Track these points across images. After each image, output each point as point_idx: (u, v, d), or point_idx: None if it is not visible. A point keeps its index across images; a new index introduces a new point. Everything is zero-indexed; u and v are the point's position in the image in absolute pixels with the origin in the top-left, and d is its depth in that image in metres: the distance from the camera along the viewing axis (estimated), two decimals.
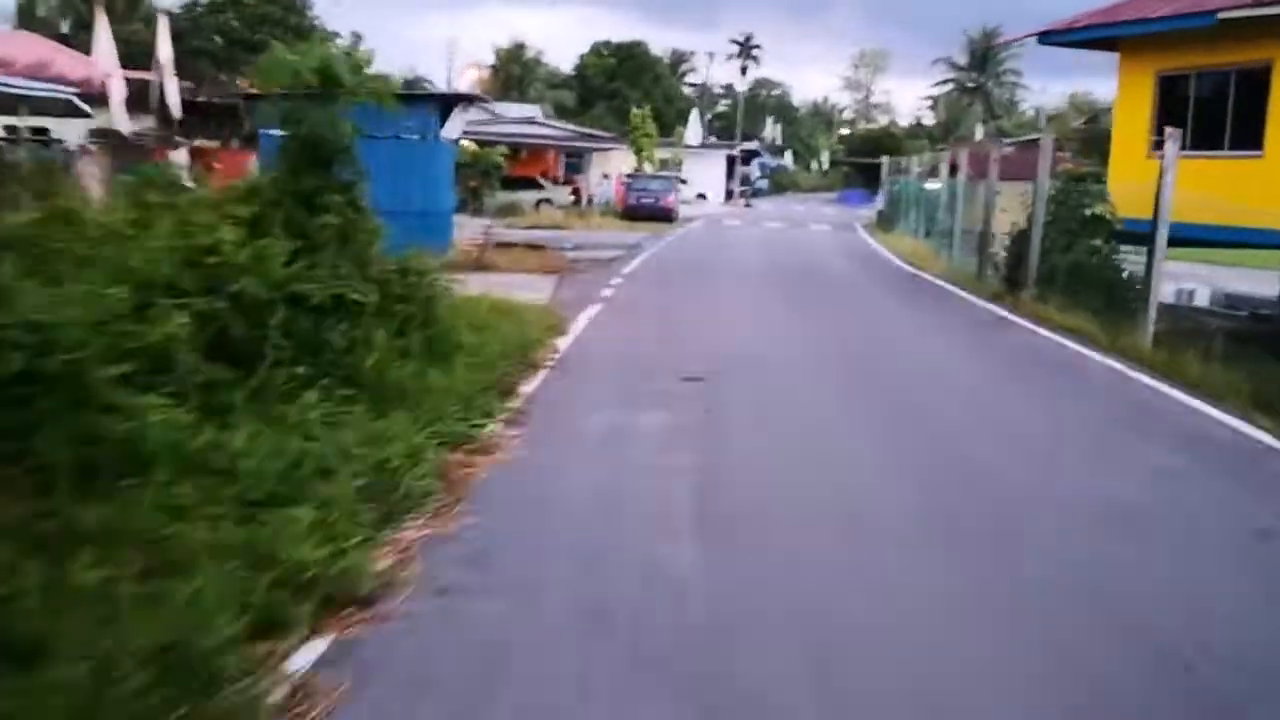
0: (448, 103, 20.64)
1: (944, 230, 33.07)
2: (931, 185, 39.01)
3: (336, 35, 33.20)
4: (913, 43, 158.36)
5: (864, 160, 71.97)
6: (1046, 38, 21.36)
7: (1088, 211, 18.09)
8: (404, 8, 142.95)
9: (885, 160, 45.09)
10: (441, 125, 20.58)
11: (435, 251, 18.87)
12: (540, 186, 47.16)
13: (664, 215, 38.25)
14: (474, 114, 63.22)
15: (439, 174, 20.48)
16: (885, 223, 40.79)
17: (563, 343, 11.91)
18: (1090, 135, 55.08)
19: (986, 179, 24.15)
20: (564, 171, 54.66)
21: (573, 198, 47.16)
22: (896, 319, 16.72)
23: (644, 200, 38.74)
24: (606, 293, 16.92)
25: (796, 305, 17.49)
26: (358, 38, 34.31)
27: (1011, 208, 25.78)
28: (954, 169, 39.34)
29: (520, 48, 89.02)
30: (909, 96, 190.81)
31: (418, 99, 21.83)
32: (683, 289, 18.49)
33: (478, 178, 38.88)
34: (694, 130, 60.61)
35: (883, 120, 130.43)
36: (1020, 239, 18.96)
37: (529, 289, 17.05)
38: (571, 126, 60.48)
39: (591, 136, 50.02)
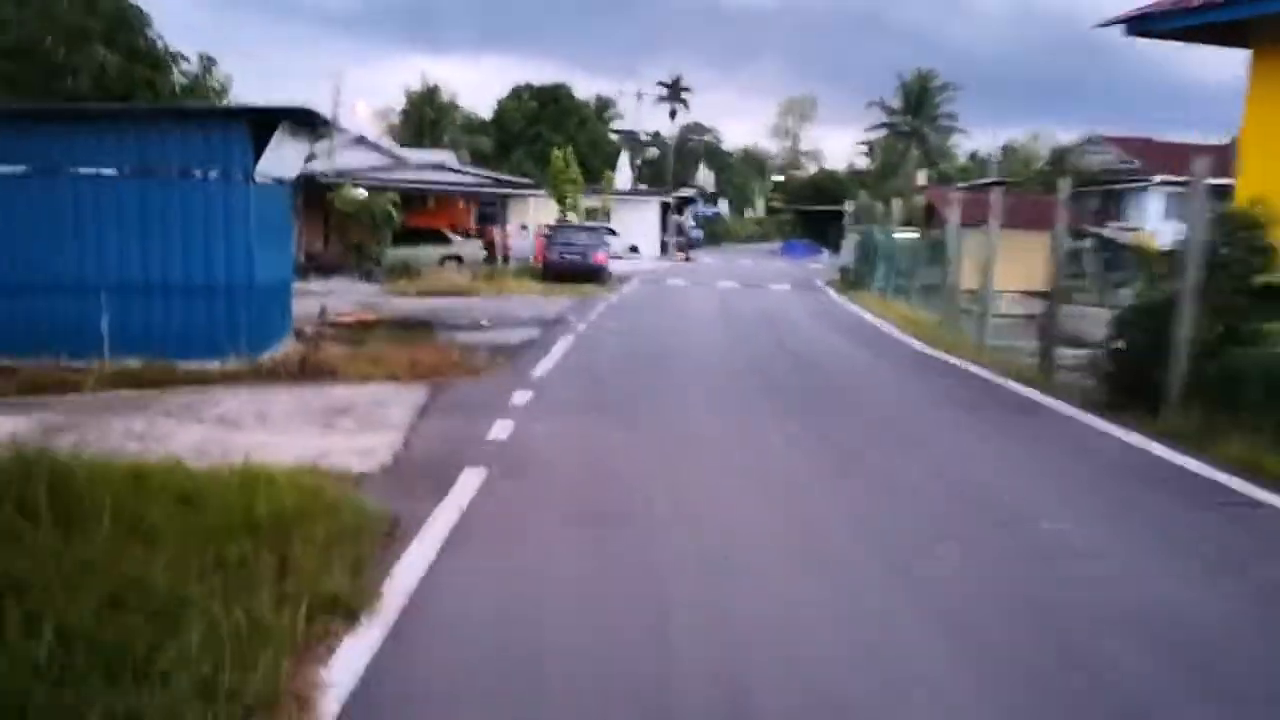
0: (264, 123, 13.32)
1: (926, 289, 26.63)
2: (903, 236, 32.60)
3: (182, 58, 25.42)
4: (836, 92, 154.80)
5: (809, 208, 65.76)
6: (1141, 24, 14.75)
7: (1260, 278, 11.45)
8: (327, 59, 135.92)
9: (848, 206, 38.56)
10: (256, 156, 13.25)
11: (236, 347, 11.32)
12: (446, 240, 39.88)
13: (593, 274, 31.13)
14: (369, 156, 55.92)
15: (252, 229, 13.15)
16: (853, 280, 34.28)
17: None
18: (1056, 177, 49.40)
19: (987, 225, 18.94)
20: (477, 223, 47.66)
21: (485, 253, 40.02)
22: (1016, 488, 8.85)
23: (568, 256, 31.57)
24: (497, 432, 9.61)
25: (826, 452, 9.87)
26: (209, 61, 26.69)
27: (1023, 262, 20.48)
28: (930, 215, 33.01)
29: (433, 90, 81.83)
30: (836, 145, 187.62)
31: (197, 116, 14.52)
32: (629, 414, 11.11)
33: (364, 231, 31.54)
34: (624, 175, 53.82)
35: (811, 168, 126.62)
36: (1145, 319, 12.14)
37: (355, 429, 9.72)
38: (486, 173, 53.54)
39: (507, 183, 42.89)
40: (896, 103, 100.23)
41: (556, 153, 47.37)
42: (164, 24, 28.70)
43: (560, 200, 46.71)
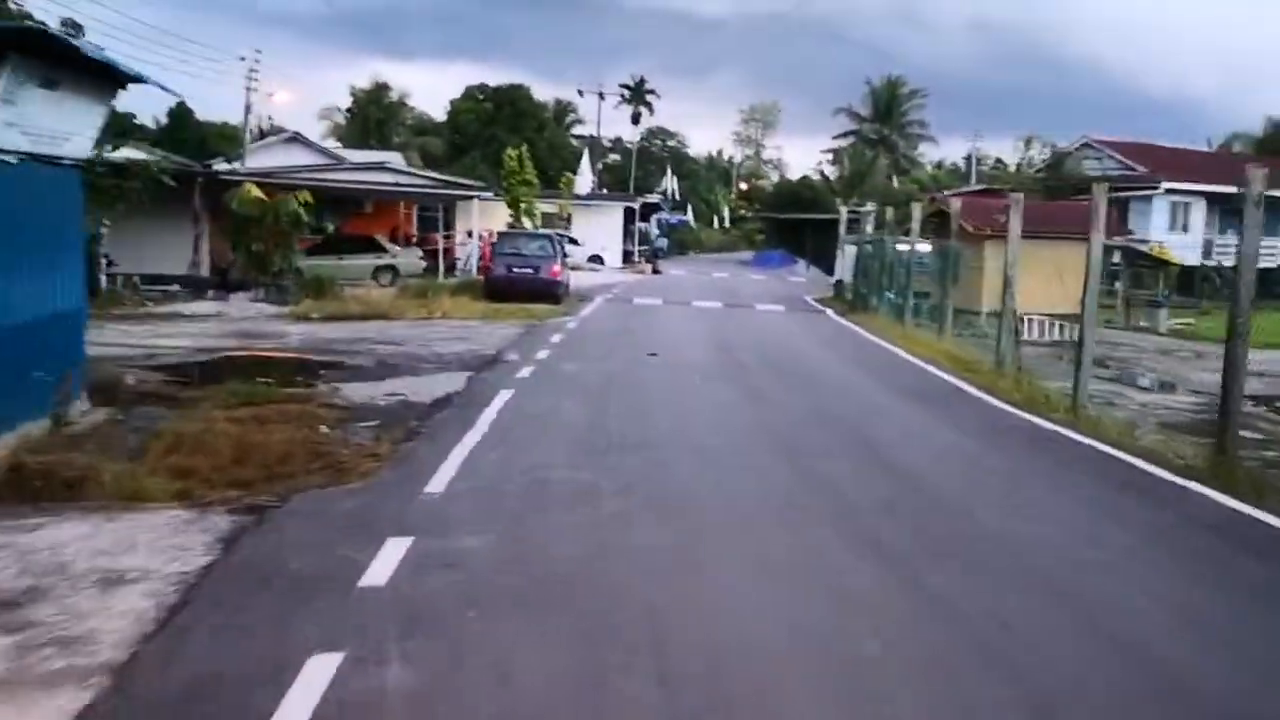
0: None
1: (940, 311, 21.62)
2: (903, 247, 27.41)
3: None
4: (795, 103, 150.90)
5: (785, 216, 60.48)
6: None
7: None
8: (286, 63, 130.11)
9: (844, 213, 33.12)
10: None
11: None
12: (381, 249, 34.24)
13: (546, 292, 25.51)
14: (302, 155, 50.04)
15: None
16: (853, 299, 29.02)
17: None
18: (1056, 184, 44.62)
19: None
20: (420, 230, 42.05)
21: (425, 264, 34.47)
22: None
23: (517, 270, 25.88)
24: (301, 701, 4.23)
25: None
26: (74, 28, 20.97)
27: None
28: (940, 224, 27.80)
29: (380, 89, 75.95)
30: (797, 154, 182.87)
31: None
32: (599, 623, 5.52)
33: (273, 239, 25.83)
34: (584, 179, 48.26)
35: (774, 176, 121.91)
36: None
37: None
38: (432, 174, 48.00)
39: (451, 185, 37.27)
40: (865, 109, 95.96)
41: (510, 152, 41.82)
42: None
43: (513, 205, 41.14)
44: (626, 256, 52.11)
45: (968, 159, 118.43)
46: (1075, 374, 13.13)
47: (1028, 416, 12.21)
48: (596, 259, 47.35)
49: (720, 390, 13.46)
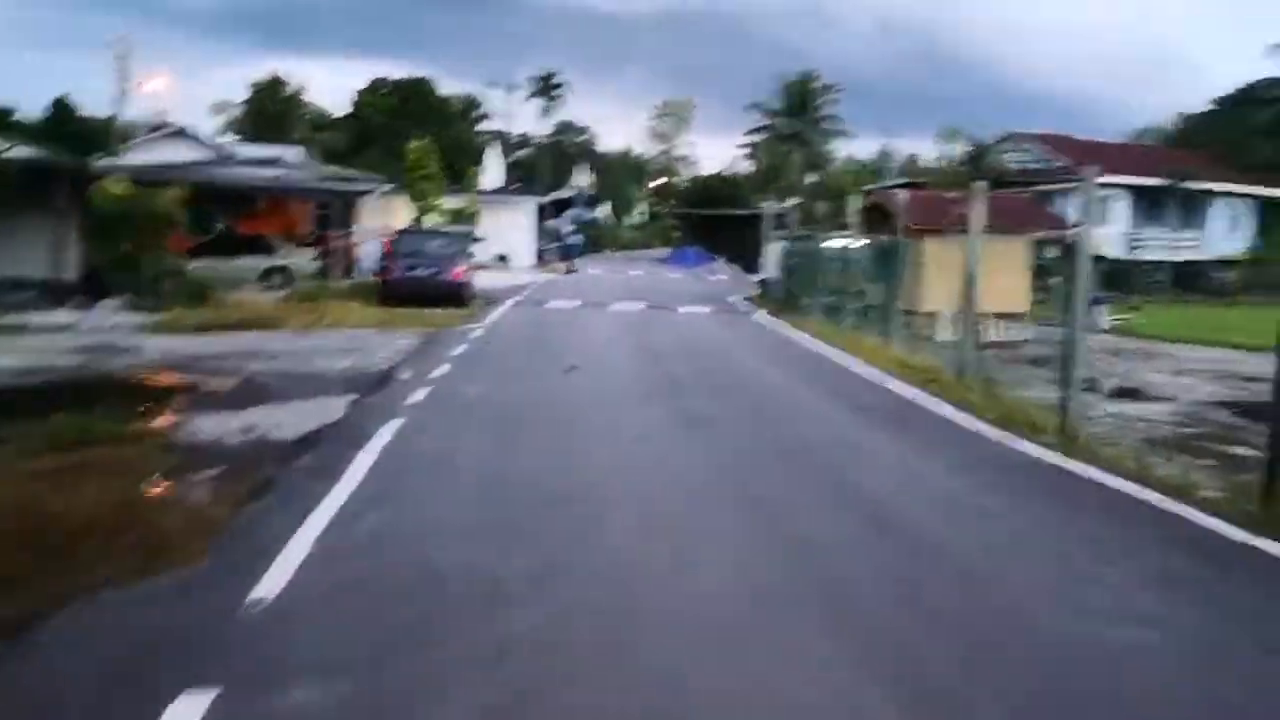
0: None
1: (871, 311, 19.94)
2: (837, 244, 25.66)
3: None
4: (704, 101, 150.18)
5: (703, 212, 58.64)
6: None
7: None
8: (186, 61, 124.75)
9: (767, 209, 31.18)
10: None
11: None
12: (270, 250, 31.52)
13: (449, 295, 23.15)
14: (188, 150, 46.75)
15: None
16: (783, 299, 27.15)
17: None
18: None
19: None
20: (318, 229, 39.21)
21: (320, 265, 31.81)
22: None
23: (417, 272, 23.41)
24: None
25: None
26: None
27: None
28: (878, 217, 26.12)
29: (276, 83, 72.42)
30: (707, 152, 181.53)
31: None
32: None
33: (143, 238, 23.04)
34: (493, 173, 45.73)
35: (686, 173, 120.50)
36: None
37: None
38: (332, 170, 45.30)
39: (347, 180, 34.65)
40: (778, 105, 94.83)
41: (414, 144, 39.24)
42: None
43: (416, 200, 38.60)
44: (538, 255, 49.80)
45: (880, 155, 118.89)
46: (1063, 389, 11.29)
47: (1020, 444, 10.29)
48: (503, 259, 44.97)
49: (655, 415, 11.26)
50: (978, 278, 14.49)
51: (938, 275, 25.25)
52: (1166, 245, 45.62)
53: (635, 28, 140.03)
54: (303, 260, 31.80)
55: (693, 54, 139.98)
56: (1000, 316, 25.46)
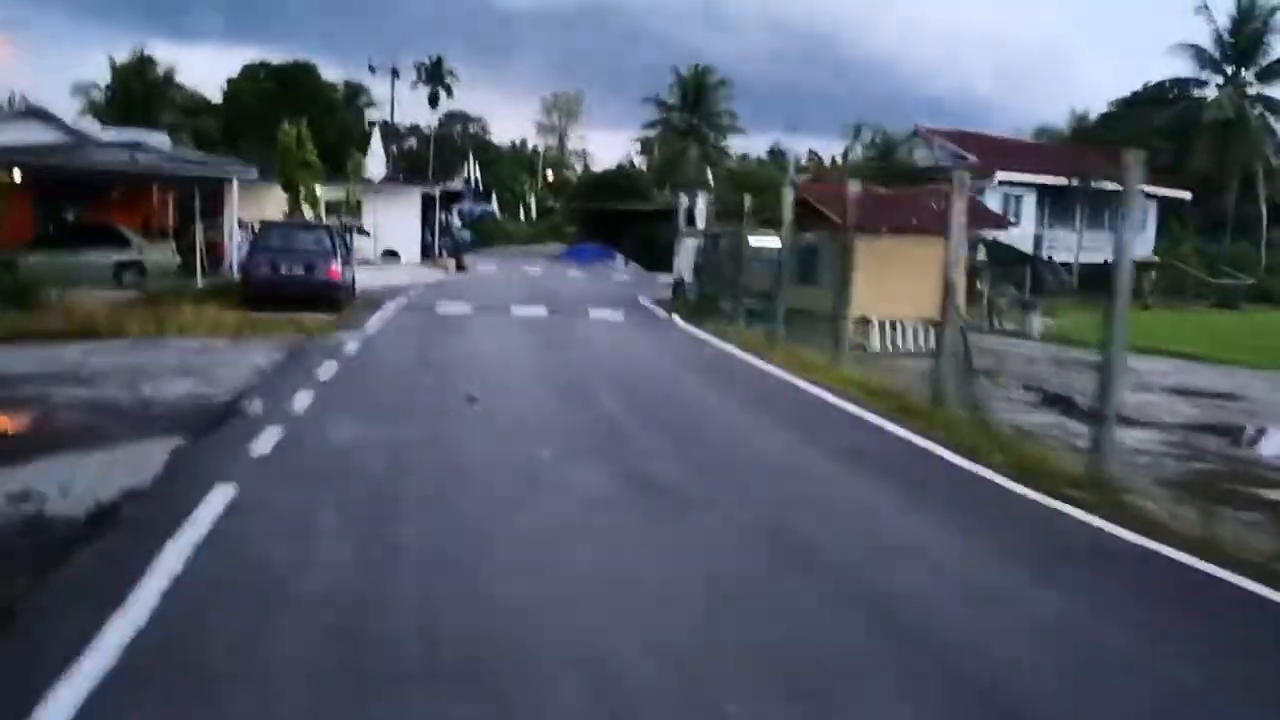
0: None
1: (799, 316, 17.67)
2: (764, 243, 23.36)
3: None
4: (596, 95, 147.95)
5: (602, 206, 55.84)
6: None
7: None
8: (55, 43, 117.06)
9: (684, 202, 28.56)
10: None
11: None
12: (124, 242, 27.91)
13: (322, 297, 20.05)
14: (39, 132, 42.49)
15: None
16: (697, 303, 24.63)
17: None
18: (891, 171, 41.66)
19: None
20: (179, 221, 35.35)
21: (179, 260, 28.35)
22: None
23: (284, 270, 20.17)
24: None
25: None
26: None
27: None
28: (807, 215, 23.87)
29: (145, 62, 67.34)
30: (600, 147, 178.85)
31: None
32: None
33: None
34: (377, 161, 42.17)
35: (578, 167, 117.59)
36: None
37: None
38: (196, 156, 41.42)
39: (208, 165, 31.08)
40: (673, 99, 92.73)
41: (286, 129, 35.69)
42: None
43: (290, 190, 35.09)
44: (426, 250, 46.45)
45: (771, 151, 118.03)
46: (1096, 430, 8.96)
47: (1060, 507, 7.89)
48: (390, 254, 41.57)
49: (589, 480, 8.16)
50: (958, 285, 12.17)
51: (874, 278, 23.14)
52: (1072, 246, 44.60)
53: (521, 20, 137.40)
54: (161, 255, 28.26)
55: (582, 47, 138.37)
56: (920, 322, 23.47)
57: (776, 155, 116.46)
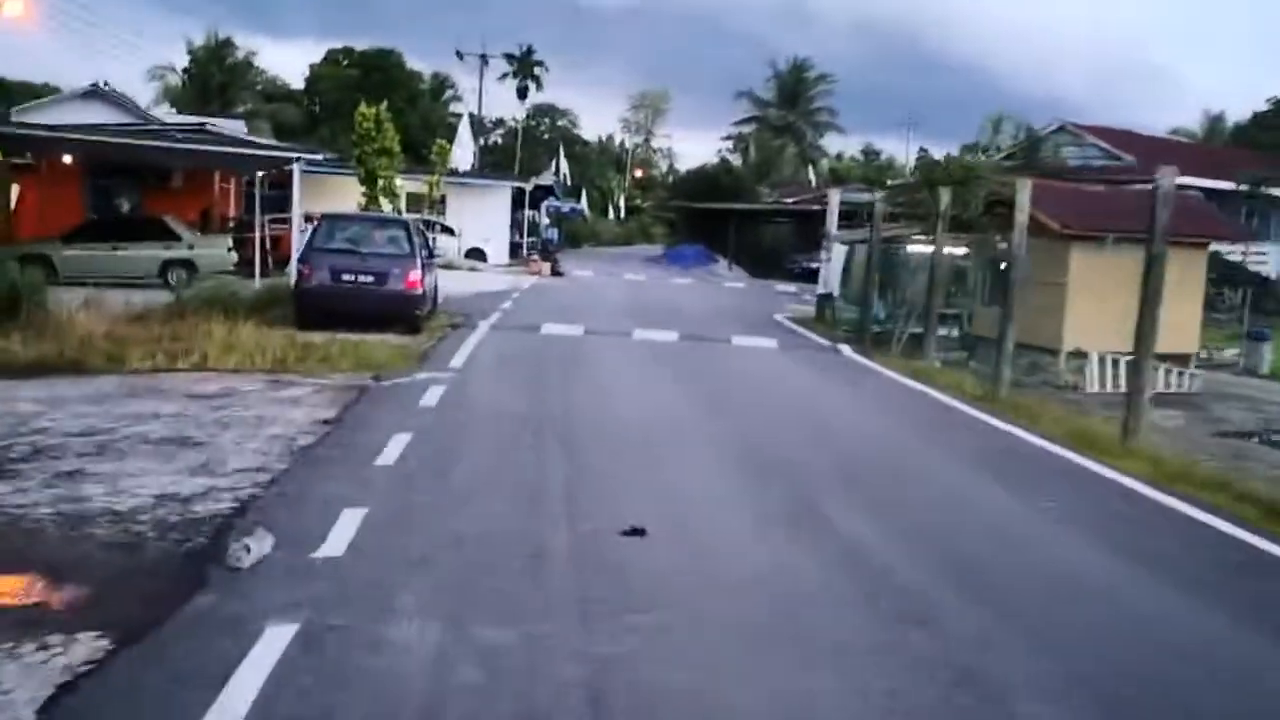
0: None
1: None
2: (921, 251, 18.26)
3: None
4: (680, 96, 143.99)
5: (705, 206, 50.77)
6: None
7: None
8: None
9: (834, 199, 22.96)
10: None
11: None
12: (172, 236, 23.78)
13: (396, 312, 15.29)
14: (103, 113, 38.92)
15: None
16: (858, 324, 19.38)
17: None
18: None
19: None
20: (247, 213, 31.17)
21: (236, 257, 24.16)
22: None
23: (349, 279, 15.28)
24: None
25: None
26: None
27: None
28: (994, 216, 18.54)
29: (223, 46, 63.94)
30: (685, 147, 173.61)
31: None
32: None
33: None
34: (464, 152, 37.48)
35: (665, 166, 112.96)
36: None
37: None
38: (266, 142, 37.39)
39: (264, 148, 26.77)
40: (769, 94, 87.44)
41: (363, 110, 31.31)
42: None
43: (368, 180, 30.72)
44: (514, 250, 41.93)
45: (865, 152, 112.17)
46: None
47: None
48: (476, 253, 37.00)
49: None
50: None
51: (1093, 300, 17.92)
52: (1239, 258, 38.61)
53: (607, 20, 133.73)
54: (215, 252, 24.00)
55: (667, 48, 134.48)
56: (1166, 359, 18.17)
57: (870, 156, 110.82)
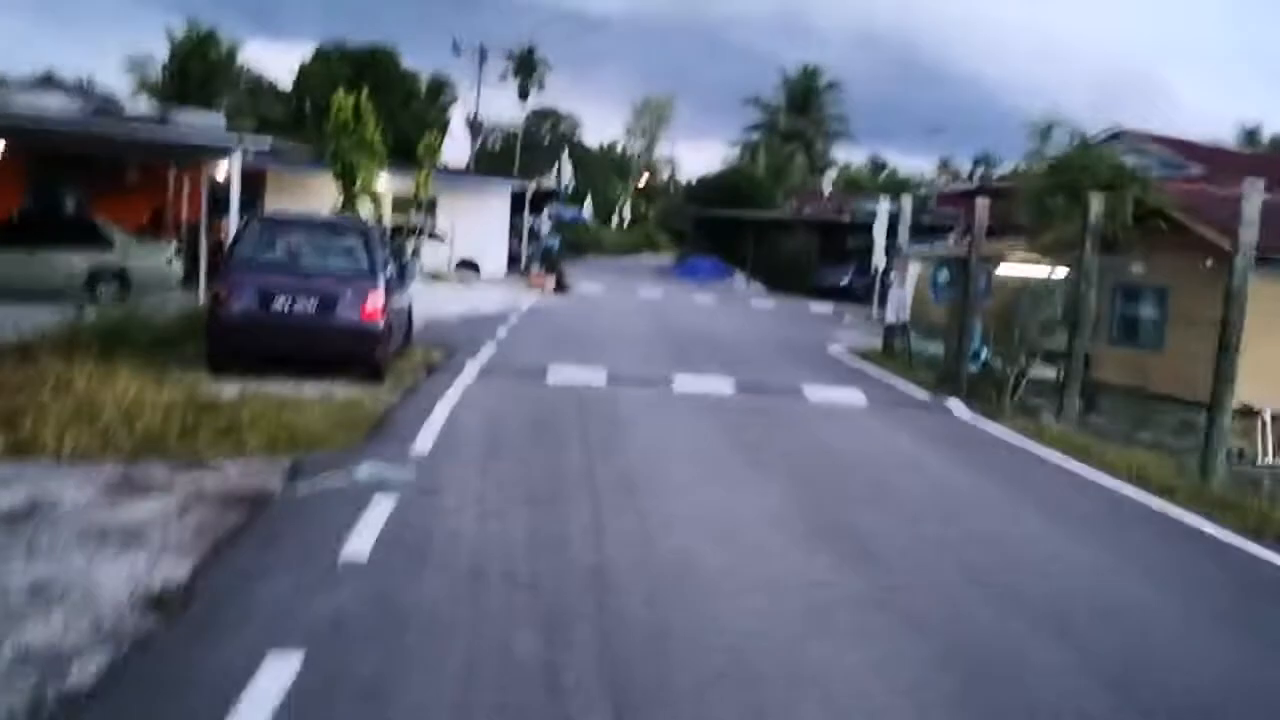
0: None
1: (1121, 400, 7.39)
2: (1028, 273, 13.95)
3: None
4: (681, 106, 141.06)
5: (723, 214, 46.38)
6: None
7: None
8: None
9: (906, 207, 18.19)
10: None
11: None
12: (103, 241, 19.51)
13: (351, 352, 11.02)
14: (59, 103, 34.72)
15: None
16: (948, 367, 14.84)
17: None
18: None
19: None
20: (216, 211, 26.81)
21: (181, 266, 20.07)
22: None
23: (280, 306, 10.84)
24: None
25: None
26: None
27: None
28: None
29: (208, 37, 59.52)
30: (686, 155, 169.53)
31: None
32: None
33: None
34: (457, 147, 32.82)
35: (665, 175, 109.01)
36: None
37: None
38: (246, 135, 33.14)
39: (194, 132, 22.35)
40: (778, 101, 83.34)
41: (339, 96, 26.98)
42: None
43: (344, 178, 26.36)
44: (513, 260, 37.57)
45: (872, 163, 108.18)
46: None
47: None
48: (467, 265, 32.53)
49: None
50: None
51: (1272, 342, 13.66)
52: None
53: (610, 31, 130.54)
54: (152, 262, 19.74)
55: (668, 58, 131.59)
56: None
57: (878, 167, 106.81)
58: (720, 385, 12.97)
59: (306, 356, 10.92)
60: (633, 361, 14.96)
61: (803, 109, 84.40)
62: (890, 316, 17.61)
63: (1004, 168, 63.11)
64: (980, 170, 76.49)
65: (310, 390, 10.40)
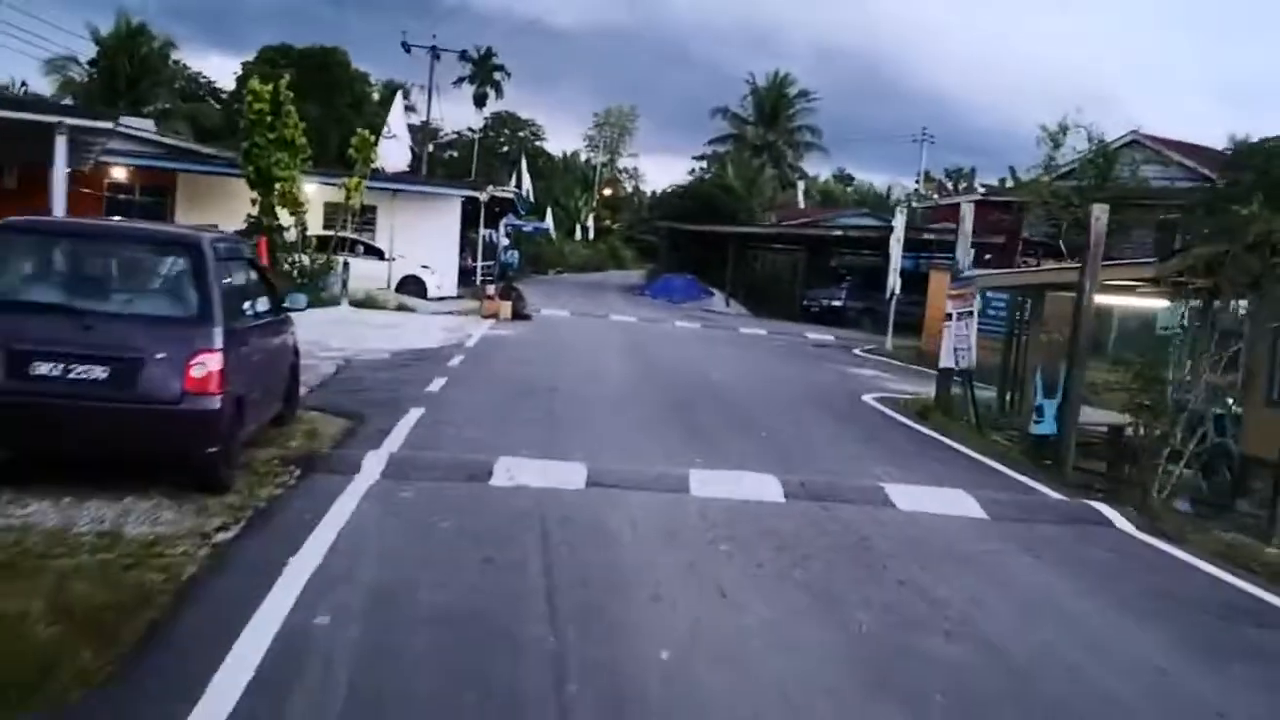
0: None
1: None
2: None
3: None
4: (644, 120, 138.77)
5: (703, 228, 41.98)
6: None
7: None
8: None
9: (968, 212, 14.05)
10: None
11: None
12: None
13: (163, 449, 6.48)
14: None
15: None
16: (1056, 446, 10.59)
17: None
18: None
19: None
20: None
21: None
22: None
23: (47, 369, 6.23)
24: None
25: None
26: None
27: None
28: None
29: (137, 34, 54.58)
30: (648, 169, 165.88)
31: None
32: None
33: None
34: (398, 148, 28.17)
35: (629, 187, 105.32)
36: None
37: None
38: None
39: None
40: (747, 111, 79.59)
41: (255, 85, 22.55)
42: None
43: (260, 182, 21.89)
44: (465, 277, 33.12)
45: (838, 177, 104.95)
46: None
47: None
48: (413, 280, 28.01)
49: None
50: None
51: None
52: None
53: (569, 42, 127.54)
54: None
55: (630, 71, 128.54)
56: None
57: (843, 180, 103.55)
58: (758, 483, 8.41)
59: (89, 455, 6.51)
60: (619, 434, 10.56)
61: (772, 120, 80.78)
62: (947, 360, 13.44)
63: (985, 179, 59.68)
64: (961, 183, 73.26)
65: (90, 514, 6.05)
